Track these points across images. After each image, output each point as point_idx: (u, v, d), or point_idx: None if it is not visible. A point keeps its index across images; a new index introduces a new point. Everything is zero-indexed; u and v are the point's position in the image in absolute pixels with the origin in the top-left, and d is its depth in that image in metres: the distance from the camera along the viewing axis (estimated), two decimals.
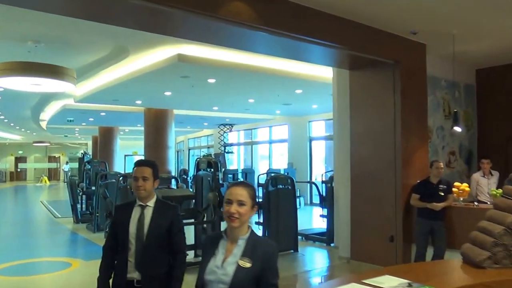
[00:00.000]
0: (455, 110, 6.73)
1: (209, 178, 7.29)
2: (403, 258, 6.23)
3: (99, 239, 9.32)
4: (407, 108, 6.39)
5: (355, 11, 5.19)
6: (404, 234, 6.22)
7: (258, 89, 10.10)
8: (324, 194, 8.84)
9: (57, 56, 7.51)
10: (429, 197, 5.68)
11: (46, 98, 12.87)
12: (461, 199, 5.96)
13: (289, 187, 7.92)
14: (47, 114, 16.62)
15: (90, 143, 28.33)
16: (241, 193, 2.08)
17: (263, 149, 20.54)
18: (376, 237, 6.49)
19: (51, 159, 37.66)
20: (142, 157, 32.04)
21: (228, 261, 2.05)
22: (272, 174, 8.17)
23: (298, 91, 10.08)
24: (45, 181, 32.71)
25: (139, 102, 12.15)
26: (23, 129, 25.03)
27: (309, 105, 12.75)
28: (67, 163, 35.43)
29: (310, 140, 16.14)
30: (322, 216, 8.68)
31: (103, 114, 14.89)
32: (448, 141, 7.39)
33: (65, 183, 31.88)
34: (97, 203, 10.48)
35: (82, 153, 24.38)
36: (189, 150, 27.92)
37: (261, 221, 7.78)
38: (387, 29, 6.02)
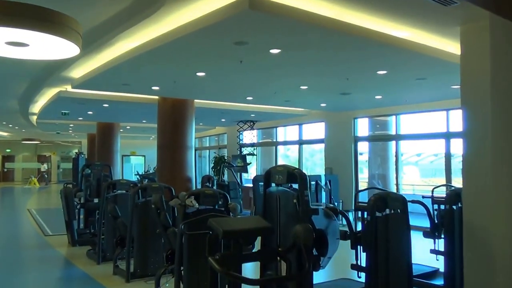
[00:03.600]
0: None
1: (295, 200, 4.53)
2: None
3: (106, 276, 6.55)
4: None
5: None
6: None
7: (325, 70, 7.34)
8: (435, 218, 6.12)
9: (57, 5, 4.61)
10: None
11: (37, 83, 10.01)
12: None
13: (400, 211, 5.24)
14: (38, 105, 13.75)
15: (85, 141, 25.34)
16: None
17: (283, 151, 17.85)
18: None
19: (40, 158, 34.66)
20: (141, 158, 29.83)
21: None
22: (376, 192, 5.44)
23: (381, 73, 7.37)
24: (34, 183, 29.61)
25: (156, 88, 9.36)
26: (10, 125, 22.04)
27: (372, 96, 10.02)
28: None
29: (356, 141, 13.40)
30: (434, 251, 5.99)
31: (105, 105, 12.08)
32: None
33: (47, 186, 29.08)
34: (101, 222, 7.73)
35: (76, 153, 21.52)
36: (195, 151, 25.07)
37: (361, 264, 5.09)
38: None
